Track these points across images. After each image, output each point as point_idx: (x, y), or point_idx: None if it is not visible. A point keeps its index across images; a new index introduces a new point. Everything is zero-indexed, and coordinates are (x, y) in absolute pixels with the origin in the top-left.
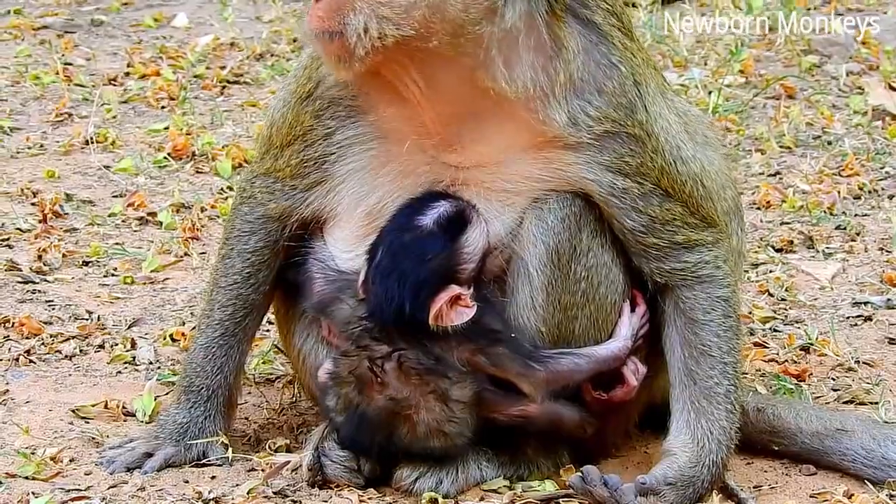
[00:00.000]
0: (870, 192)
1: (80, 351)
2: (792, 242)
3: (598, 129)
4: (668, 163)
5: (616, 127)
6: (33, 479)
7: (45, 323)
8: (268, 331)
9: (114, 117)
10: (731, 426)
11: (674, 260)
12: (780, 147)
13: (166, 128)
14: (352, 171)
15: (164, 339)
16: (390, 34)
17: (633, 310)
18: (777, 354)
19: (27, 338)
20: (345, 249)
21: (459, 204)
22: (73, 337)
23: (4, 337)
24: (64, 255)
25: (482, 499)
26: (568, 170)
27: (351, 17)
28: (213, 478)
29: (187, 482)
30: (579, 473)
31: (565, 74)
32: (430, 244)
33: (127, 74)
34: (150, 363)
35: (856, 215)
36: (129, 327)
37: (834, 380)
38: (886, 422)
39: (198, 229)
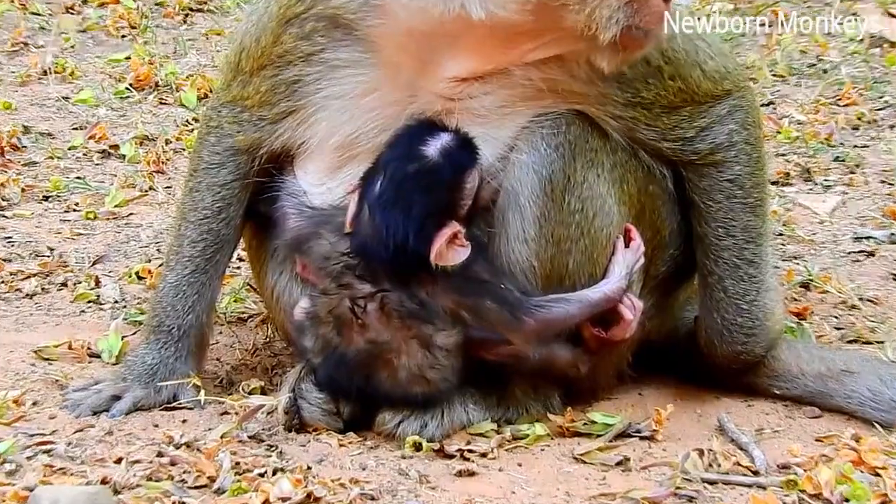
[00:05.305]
0: (869, 122)
1: (42, 289)
2: (788, 175)
3: None
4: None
5: None
6: None
7: (5, 260)
8: (238, 268)
9: (72, 47)
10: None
11: (689, 152)
12: (773, 76)
13: (127, 57)
14: (331, 97)
15: (130, 276)
16: None
17: (626, 245)
18: None
19: None
20: (316, 183)
21: (461, 137)
22: (35, 275)
23: None
24: (23, 190)
25: (469, 443)
26: (564, 84)
27: None
28: (184, 421)
29: (157, 426)
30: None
31: None
32: (436, 175)
33: (85, 2)
34: (116, 302)
35: (855, 146)
36: (92, 265)
37: (836, 318)
38: (893, 361)
39: (163, 162)
